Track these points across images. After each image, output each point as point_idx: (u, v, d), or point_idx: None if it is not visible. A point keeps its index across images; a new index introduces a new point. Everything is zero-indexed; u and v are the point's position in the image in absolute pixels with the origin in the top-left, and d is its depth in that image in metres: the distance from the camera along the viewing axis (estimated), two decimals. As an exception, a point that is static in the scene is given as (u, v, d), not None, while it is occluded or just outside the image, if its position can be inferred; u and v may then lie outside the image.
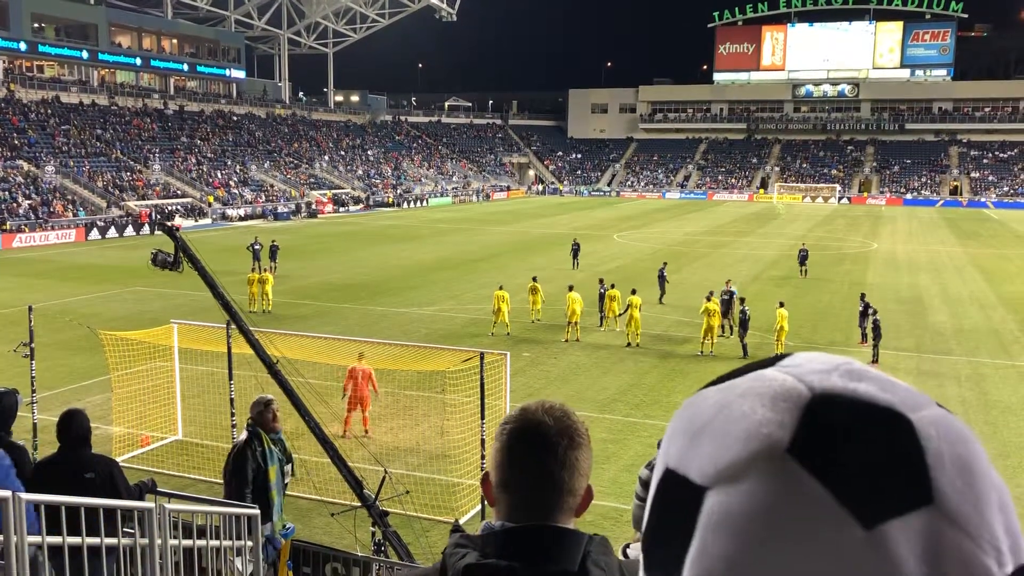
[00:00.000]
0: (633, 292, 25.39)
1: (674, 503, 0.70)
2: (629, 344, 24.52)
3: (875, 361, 22.64)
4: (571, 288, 26.02)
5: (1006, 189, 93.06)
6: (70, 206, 56.51)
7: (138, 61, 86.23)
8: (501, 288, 26.17)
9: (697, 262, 41.77)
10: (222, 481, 8.86)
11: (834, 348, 24.75)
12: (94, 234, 53.37)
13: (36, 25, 76.90)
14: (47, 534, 5.14)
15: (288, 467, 9.04)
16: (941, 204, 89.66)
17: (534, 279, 28.02)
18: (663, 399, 19.87)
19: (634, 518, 3.21)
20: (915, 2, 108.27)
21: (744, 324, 23.68)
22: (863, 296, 25.65)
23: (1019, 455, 16.49)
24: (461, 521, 13.08)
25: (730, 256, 44.39)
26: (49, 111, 69.94)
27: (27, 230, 50.79)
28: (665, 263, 33.93)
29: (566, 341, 24.98)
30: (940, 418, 0.68)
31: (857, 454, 0.64)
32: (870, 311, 23.89)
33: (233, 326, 15.07)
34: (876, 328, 23.02)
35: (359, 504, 10.21)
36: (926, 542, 0.62)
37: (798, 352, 0.75)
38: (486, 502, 1.69)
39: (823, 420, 0.66)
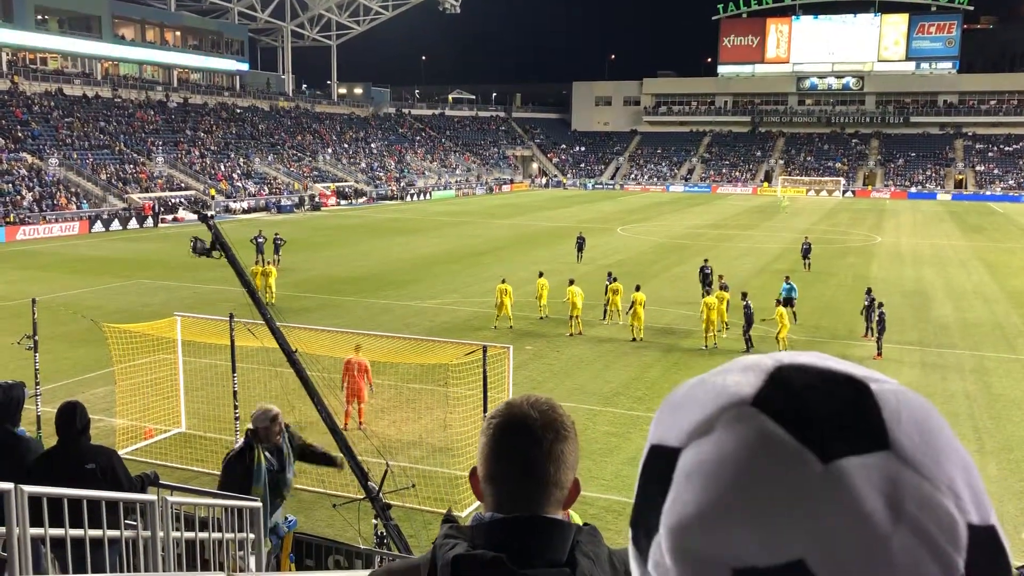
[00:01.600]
0: (637, 288, 25.30)
1: (655, 471, 0.74)
2: (634, 339, 24.46)
3: (879, 355, 22.57)
4: (572, 282, 25.97)
5: (1011, 182, 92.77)
6: (73, 199, 56.55)
7: (141, 53, 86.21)
8: (504, 281, 26.15)
9: (701, 255, 41.67)
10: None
11: (837, 341, 24.72)
12: (97, 226, 53.40)
13: (40, 17, 76.88)
14: (49, 526, 5.14)
15: (289, 475, 8.43)
16: (951, 198, 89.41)
17: (540, 274, 27.84)
18: (666, 392, 19.58)
19: None
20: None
21: (748, 319, 23.57)
22: (869, 290, 25.42)
23: (1023, 449, 16.46)
24: (463, 514, 13.10)
25: (734, 249, 44.32)
26: (52, 103, 69.96)
27: (30, 222, 50.84)
28: (706, 259, 32.61)
29: (570, 335, 24.96)
30: (901, 390, 0.71)
31: (817, 405, 0.68)
32: (876, 304, 23.69)
33: (238, 319, 15.12)
34: (881, 322, 22.92)
35: (361, 496, 10.23)
36: (884, 480, 0.65)
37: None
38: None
39: (787, 379, 0.71)
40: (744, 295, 24.27)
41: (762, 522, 0.65)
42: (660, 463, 0.73)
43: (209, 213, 11.68)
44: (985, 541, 0.66)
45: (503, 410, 1.66)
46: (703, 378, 0.77)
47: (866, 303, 24.58)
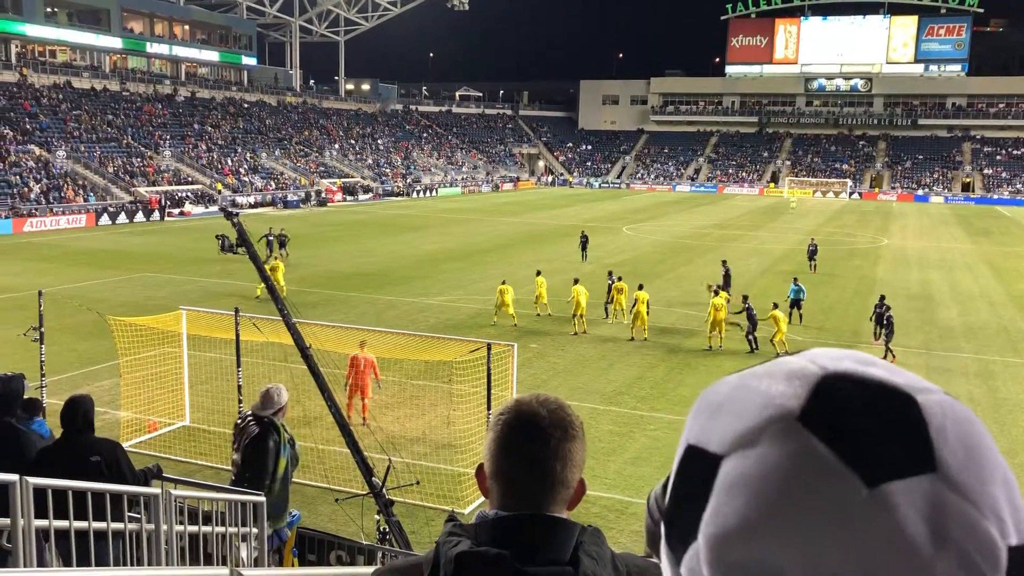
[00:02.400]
0: (640, 287, 25.30)
1: (694, 473, 0.74)
2: (632, 339, 24.41)
3: (890, 357, 22.50)
4: (576, 281, 26.01)
5: (1019, 186, 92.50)
6: (81, 191, 56.69)
7: (150, 47, 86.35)
8: (504, 283, 26.17)
9: (706, 255, 41.65)
10: (231, 467, 8.83)
11: (842, 343, 24.68)
12: (104, 219, 53.55)
13: (49, 10, 77.07)
14: (53, 518, 5.16)
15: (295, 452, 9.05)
16: (943, 200, 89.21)
17: (538, 272, 27.90)
18: (670, 392, 19.85)
19: (648, 536, 3.21)
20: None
21: (752, 320, 23.53)
22: (882, 298, 24.31)
23: (1027, 454, 16.42)
24: (466, 511, 13.11)
25: (739, 250, 44.25)
26: (61, 96, 70.12)
27: (37, 215, 50.98)
28: (724, 260, 32.17)
29: (574, 334, 24.96)
30: (946, 401, 0.71)
31: (863, 423, 0.68)
32: (885, 309, 23.45)
33: (243, 313, 15.16)
34: (889, 324, 22.84)
35: (364, 492, 10.25)
36: (929, 505, 0.64)
37: (813, 348, 0.77)
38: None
39: (833, 392, 0.70)
40: (745, 298, 24.18)
41: (804, 541, 0.65)
42: (698, 467, 0.74)
43: (235, 211, 11.95)
44: (1022, 561, 0.66)
45: (512, 407, 1.66)
46: (745, 381, 0.76)
47: (877, 310, 23.82)
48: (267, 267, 29.15)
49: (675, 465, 0.78)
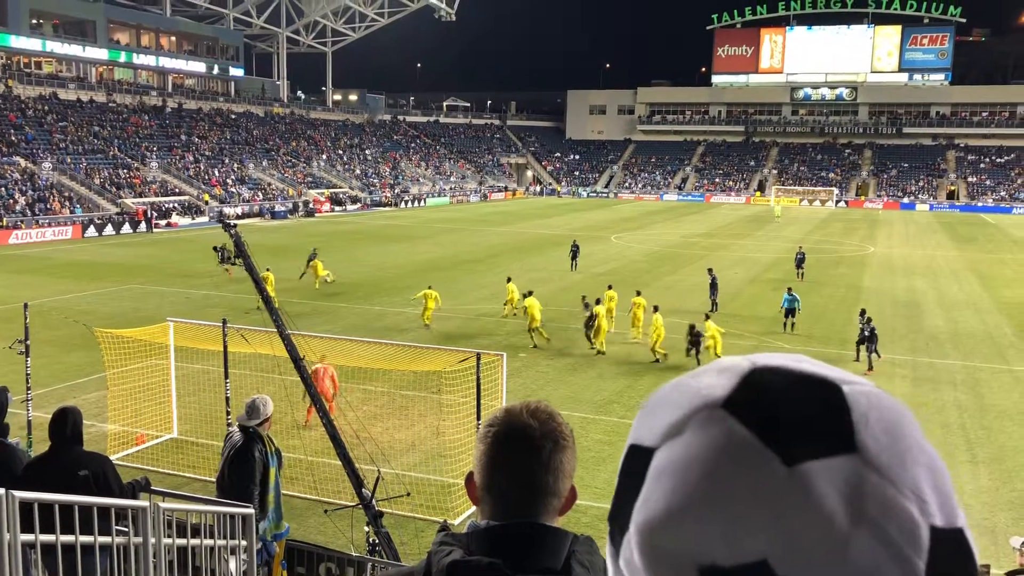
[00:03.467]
0: (598, 302, 24.84)
1: (630, 470, 0.76)
2: (597, 353, 23.84)
3: (870, 368, 22.41)
4: (530, 294, 25.56)
5: (1003, 194, 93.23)
6: (67, 203, 56.41)
7: (136, 58, 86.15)
8: (509, 280, 27.51)
9: (693, 264, 41.77)
10: (215, 481, 8.81)
11: (829, 351, 24.76)
12: (91, 231, 53.28)
13: (35, 21, 76.82)
14: (40, 532, 5.12)
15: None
16: (928, 208, 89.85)
17: (508, 279, 28.27)
18: (659, 401, 19.83)
19: None
20: (913, 6, 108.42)
21: (696, 341, 22.62)
22: (863, 312, 23.94)
23: (1016, 459, 16.51)
24: (457, 521, 13.07)
25: (726, 258, 44.40)
26: (47, 107, 69.84)
27: (23, 226, 50.69)
28: (710, 268, 32.09)
29: (534, 347, 24.29)
30: (873, 392, 0.72)
31: (785, 407, 0.70)
32: (867, 321, 23.00)
33: (230, 325, 15.09)
34: (872, 335, 22.75)
35: (353, 503, 10.20)
36: (846, 484, 0.66)
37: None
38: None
39: (759, 382, 0.73)
40: (691, 328, 23.06)
41: (727, 522, 0.67)
42: (636, 462, 0.76)
43: (232, 222, 12.04)
44: (949, 543, 0.67)
45: (501, 418, 1.64)
46: (680, 379, 0.78)
47: (861, 325, 23.07)
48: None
49: (619, 466, 0.79)
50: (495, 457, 1.60)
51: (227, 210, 65.62)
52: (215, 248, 12.09)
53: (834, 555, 0.64)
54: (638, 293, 26.00)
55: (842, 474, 0.66)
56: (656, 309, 23.75)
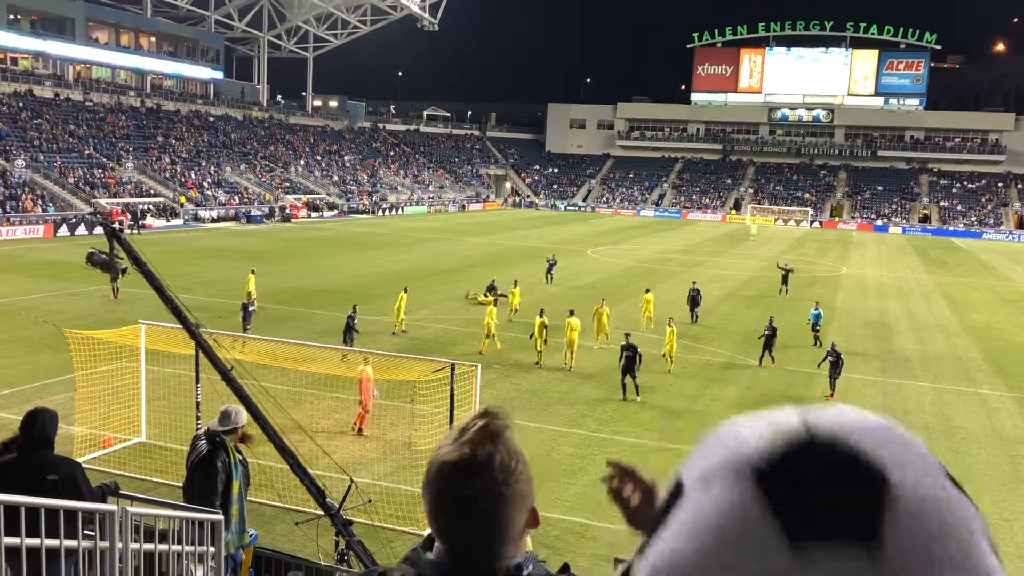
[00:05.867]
0: (571, 313, 24.76)
1: (667, 503, 0.75)
2: (570, 367, 23.95)
3: (832, 395, 22.26)
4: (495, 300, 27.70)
5: (973, 219, 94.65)
6: (39, 202, 55.73)
7: (115, 57, 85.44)
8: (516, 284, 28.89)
9: (668, 280, 42.01)
10: (182, 489, 8.71)
11: (802, 371, 24.96)
12: (63, 231, 52.65)
13: (12, 16, 76.00)
14: (5, 535, 5.04)
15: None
16: (901, 231, 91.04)
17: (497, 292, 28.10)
18: (631, 415, 19.92)
19: None
20: (891, 32, 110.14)
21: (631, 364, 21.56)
22: (833, 345, 23.09)
23: (980, 481, 16.71)
24: (426, 532, 13.00)
25: (702, 275, 44.65)
26: (21, 104, 69.04)
27: (-6, 224, 50.01)
28: (694, 282, 33.50)
29: (480, 353, 24.20)
30: (935, 496, 0.66)
31: (817, 491, 0.65)
32: (834, 350, 22.50)
33: (202, 330, 14.95)
34: (838, 363, 22.12)
35: (323, 512, 10.12)
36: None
37: (838, 405, 0.74)
38: None
39: (801, 450, 0.68)
40: (627, 336, 22.42)
41: None
42: (672, 497, 0.74)
43: (116, 225, 10.98)
44: None
45: (434, 476, 1.50)
46: (737, 421, 0.75)
47: (831, 359, 22.38)
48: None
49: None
50: (434, 519, 1.51)
51: (202, 213, 65.14)
52: (92, 259, 10.94)
53: None
54: (602, 301, 26.24)
55: (847, 566, 0.62)
56: (671, 321, 24.94)
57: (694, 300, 31.62)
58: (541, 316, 24.12)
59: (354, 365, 17.65)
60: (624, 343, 21.68)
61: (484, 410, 1.50)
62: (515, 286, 31.10)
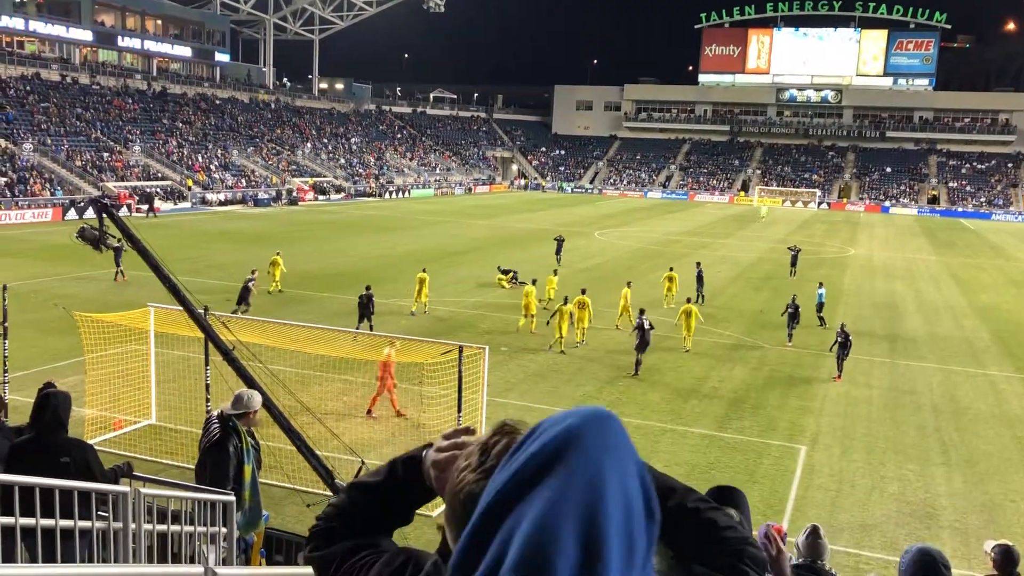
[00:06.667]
0: (565, 301, 24.84)
1: None
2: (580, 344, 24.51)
3: (839, 376, 22.24)
4: (534, 282, 26.81)
5: (982, 199, 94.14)
6: (47, 185, 55.85)
7: (121, 41, 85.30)
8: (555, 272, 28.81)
9: (675, 262, 41.90)
10: (194, 470, 8.76)
11: (809, 351, 24.95)
12: (71, 214, 52.76)
13: (18, 0, 75.86)
14: (20, 515, 5.10)
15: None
16: (927, 212, 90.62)
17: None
18: (638, 398, 19.97)
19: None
20: (900, 11, 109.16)
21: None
22: (843, 326, 22.93)
23: (987, 462, 16.73)
24: (434, 513, 13.08)
25: (709, 257, 44.58)
26: (28, 88, 69.05)
27: (2, 208, 50.15)
28: (699, 262, 34.06)
29: (517, 331, 24.77)
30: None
31: None
32: (844, 331, 22.55)
33: (211, 312, 15.00)
34: (846, 345, 22.21)
35: (333, 494, 10.18)
36: None
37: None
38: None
39: None
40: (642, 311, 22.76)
41: None
42: None
43: (107, 201, 11.04)
44: None
45: (467, 483, 1.33)
46: None
47: (840, 339, 22.40)
48: (270, 262, 30.07)
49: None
50: (453, 531, 1.38)
51: (210, 196, 65.20)
52: (82, 235, 11.02)
53: None
54: (583, 292, 25.80)
55: None
56: (689, 300, 25.69)
57: (700, 280, 31.80)
58: (566, 303, 24.21)
59: (378, 347, 17.66)
60: (639, 320, 21.95)
61: (502, 425, 1.37)
62: (555, 274, 30.19)
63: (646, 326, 21.69)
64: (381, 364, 17.31)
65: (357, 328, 23.49)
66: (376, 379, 17.63)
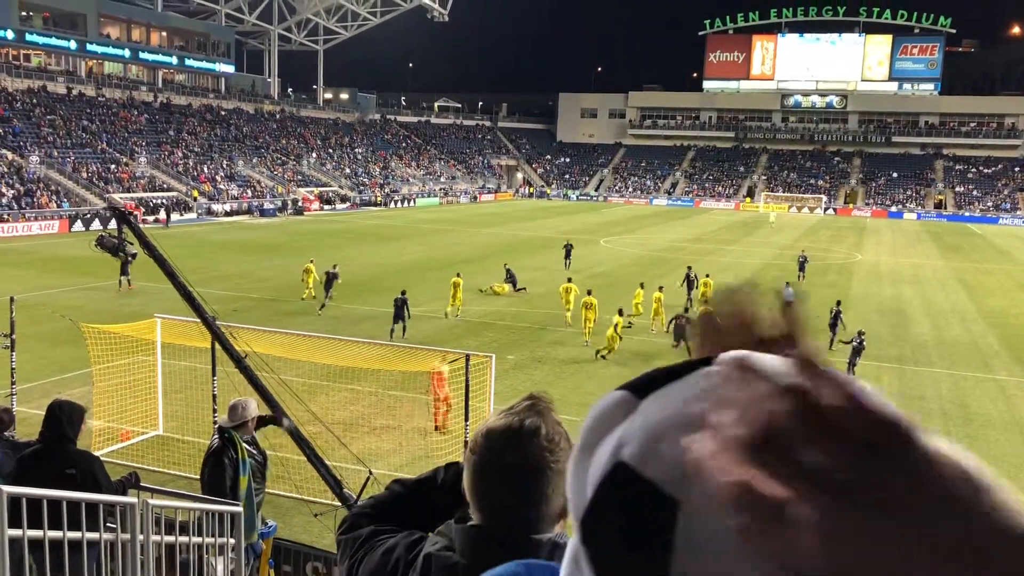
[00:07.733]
0: (588, 292, 26.02)
1: None
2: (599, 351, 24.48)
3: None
4: (569, 280, 28.00)
5: (989, 204, 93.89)
6: (54, 197, 56.05)
7: (127, 53, 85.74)
8: (570, 280, 29.00)
9: (681, 269, 41.82)
10: (199, 480, 8.74)
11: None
12: (77, 226, 52.93)
13: (24, 13, 76.30)
14: (28, 528, 5.08)
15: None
16: (934, 217, 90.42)
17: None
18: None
19: None
20: (904, 16, 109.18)
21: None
22: (860, 333, 23.20)
23: (999, 467, 16.09)
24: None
25: (715, 263, 44.51)
26: (35, 100, 69.40)
27: (10, 220, 50.34)
28: (690, 266, 34.58)
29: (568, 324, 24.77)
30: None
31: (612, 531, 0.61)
32: (859, 334, 22.94)
33: (219, 322, 15.01)
34: (860, 348, 22.53)
35: (341, 503, 10.14)
36: None
37: None
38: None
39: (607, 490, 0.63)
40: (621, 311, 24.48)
41: None
42: None
43: (126, 211, 11.20)
44: None
45: (481, 443, 1.54)
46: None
47: (855, 344, 22.58)
48: (305, 268, 30.64)
49: None
50: (475, 487, 1.53)
51: (215, 206, 65.36)
52: (101, 243, 11.17)
53: None
54: (588, 292, 26.41)
55: None
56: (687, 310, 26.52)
57: (690, 284, 31.85)
58: (621, 315, 24.43)
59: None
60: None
61: (530, 394, 1.58)
62: (569, 281, 29.89)
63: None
64: (433, 377, 16.98)
65: (391, 330, 24.54)
66: (429, 394, 17.26)
